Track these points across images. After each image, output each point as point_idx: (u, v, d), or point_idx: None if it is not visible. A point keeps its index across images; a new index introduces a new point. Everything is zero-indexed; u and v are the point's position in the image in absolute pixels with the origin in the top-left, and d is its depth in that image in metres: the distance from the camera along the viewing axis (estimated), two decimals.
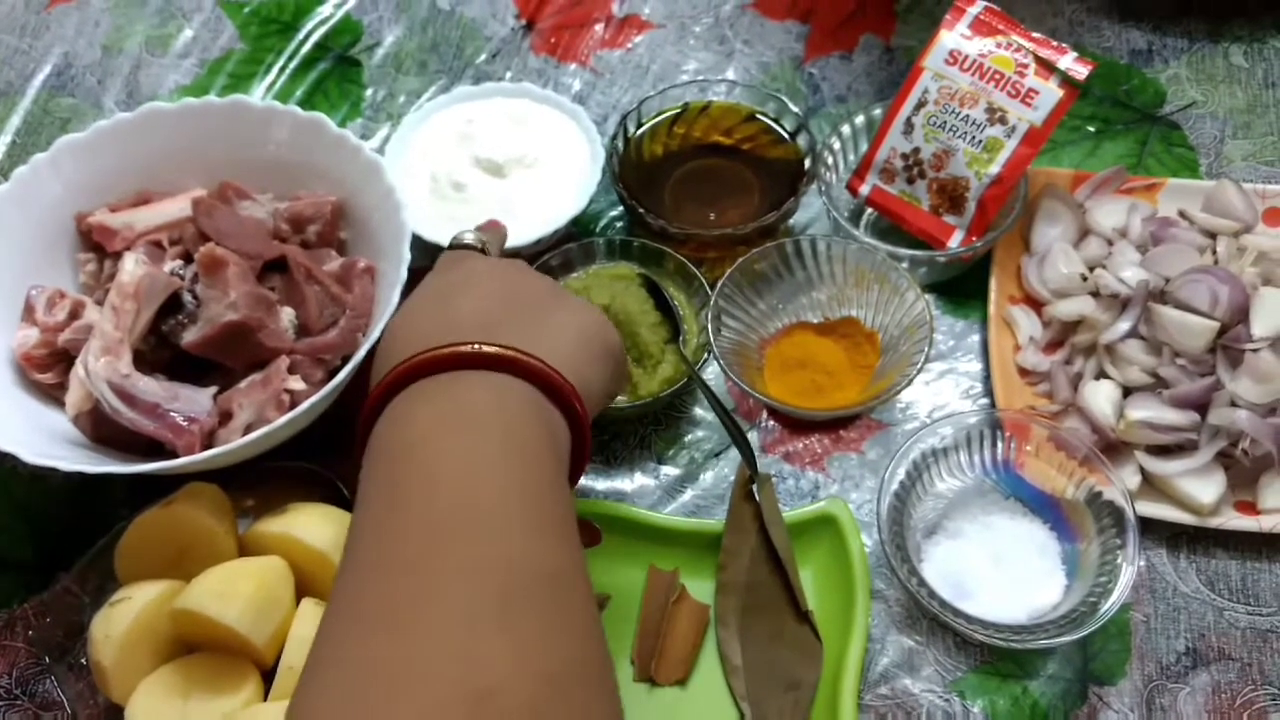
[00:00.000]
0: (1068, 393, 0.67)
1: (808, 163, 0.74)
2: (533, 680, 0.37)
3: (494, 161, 0.76)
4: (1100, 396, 0.65)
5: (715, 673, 0.61)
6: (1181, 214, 0.71)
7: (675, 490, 0.68)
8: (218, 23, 0.93)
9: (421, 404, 0.46)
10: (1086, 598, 0.59)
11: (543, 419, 0.46)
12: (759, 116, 0.77)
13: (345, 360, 0.65)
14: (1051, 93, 0.69)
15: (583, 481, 0.68)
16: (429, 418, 0.45)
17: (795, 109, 0.75)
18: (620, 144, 0.75)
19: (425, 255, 0.65)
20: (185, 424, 0.61)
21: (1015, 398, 0.68)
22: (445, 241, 0.60)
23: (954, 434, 0.64)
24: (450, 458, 0.43)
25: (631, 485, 0.69)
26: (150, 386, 0.62)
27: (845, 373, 0.71)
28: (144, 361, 0.64)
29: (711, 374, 0.72)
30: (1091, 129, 0.82)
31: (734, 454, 0.69)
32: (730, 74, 0.86)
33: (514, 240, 0.67)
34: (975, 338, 0.73)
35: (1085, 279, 0.69)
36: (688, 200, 0.75)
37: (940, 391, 0.71)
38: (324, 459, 0.66)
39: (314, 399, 0.61)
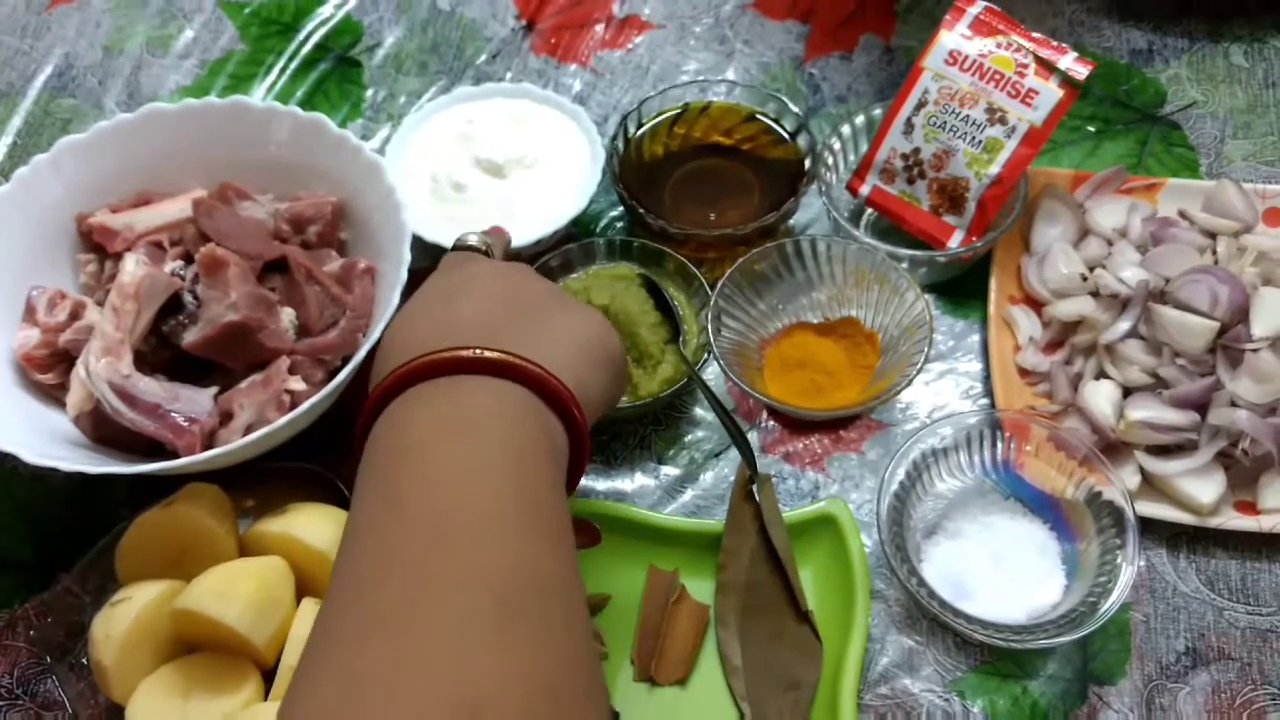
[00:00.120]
0: (1068, 393, 0.67)
1: (808, 163, 0.74)
2: (526, 689, 0.36)
3: (494, 162, 0.76)
4: (1100, 397, 0.65)
5: (715, 673, 0.61)
6: (1181, 214, 0.71)
7: (675, 490, 0.68)
8: (218, 24, 0.93)
9: (420, 407, 0.46)
10: (1086, 598, 0.59)
11: (541, 425, 0.46)
12: (759, 117, 0.77)
13: (345, 361, 0.65)
14: (1051, 93, 0.69)
15: (583, 482, 0.67)
16: (427, 421, 0.45)
17: (795, 109, 0.75)
18: (620, 144, 0.75)
19: (425, 256, 0.65)
20: (186, 424, 0.62)
21: (1015, 398, 0.68)
22: (446, 242, 0.60)
23: (954, 434, 0.64)
24: (448, 462, 0.43)
25: (631, 485, 0.69)
26: (151, 387, 0.63)
27: (845, 373, 0.71)
28: (145, 362, 0.64)
29: (711, 374, 0.72)
30: (1091, 129, 0.82)
31: (734, 454, 0.69)
32: (730, 74, 0.86)
33: (514, 241, 0.67)
34: (975, 338, 0.73)
35: (1085, 279, 0.69)
36: (688, 200, 0.75)
37: (940, 392, 0.71)
38: (324, 459, 0.66)
39: (314, 399, 0.61)
